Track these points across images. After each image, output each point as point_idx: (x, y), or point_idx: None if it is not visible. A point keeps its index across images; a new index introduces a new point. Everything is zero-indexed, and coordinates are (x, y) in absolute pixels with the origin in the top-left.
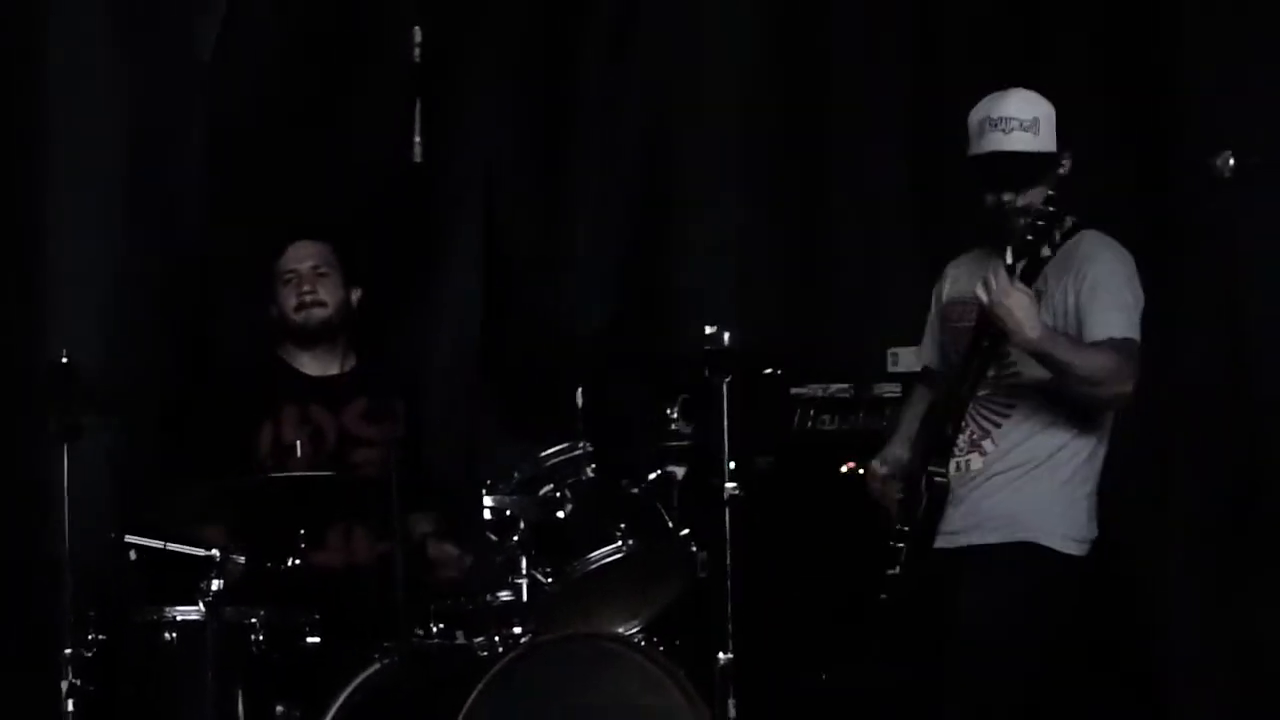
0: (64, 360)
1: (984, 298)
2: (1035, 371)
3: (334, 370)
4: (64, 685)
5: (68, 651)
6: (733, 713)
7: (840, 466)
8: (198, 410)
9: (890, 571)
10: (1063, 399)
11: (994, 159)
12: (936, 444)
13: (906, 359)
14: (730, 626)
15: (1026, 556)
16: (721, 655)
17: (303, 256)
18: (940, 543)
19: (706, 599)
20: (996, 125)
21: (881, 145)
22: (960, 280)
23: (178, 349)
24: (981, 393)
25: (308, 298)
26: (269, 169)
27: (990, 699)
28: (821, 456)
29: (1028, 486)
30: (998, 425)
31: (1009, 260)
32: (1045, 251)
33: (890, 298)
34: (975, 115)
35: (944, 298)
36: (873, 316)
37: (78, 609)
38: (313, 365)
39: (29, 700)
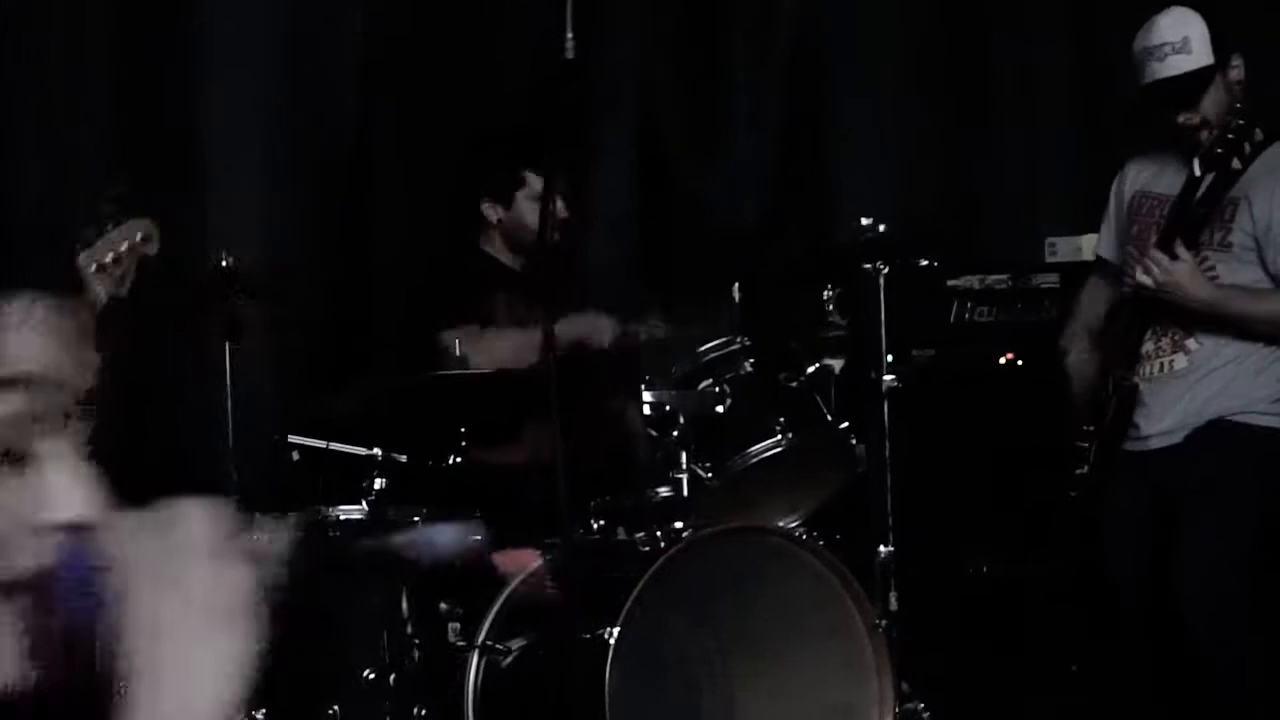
0: (225, 262)
1: (1148, 282)
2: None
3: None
4: None
5: None
6: (894, 605)
7: (998, 358)
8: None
9: (1079, 471)
10: None
11: (1156, 87)
12: (1123, 350)
13: (1065, 249)
14: (890, 520)
15: (1248, 434)
16: (882, 548)
17: (569, 183)
18: (1156, 443)
19: (866, 492)
20: (1151, 55)
21: (1041, 32)
22: (1147, 173)
23: (338, 248)
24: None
25: (565, 224)
26: (422, 67)
27: (1226, 566)
28: (979, 348)
29: (1242, 374)
30: (1197, 323)
31: (1197, 173)
32: (1235, 164)
33: (1048, 187)
34: (1135, 47)
35: (1128, 191)
36: (1030, 206)
37: (243, 509)
38: (516, 264)
39: None
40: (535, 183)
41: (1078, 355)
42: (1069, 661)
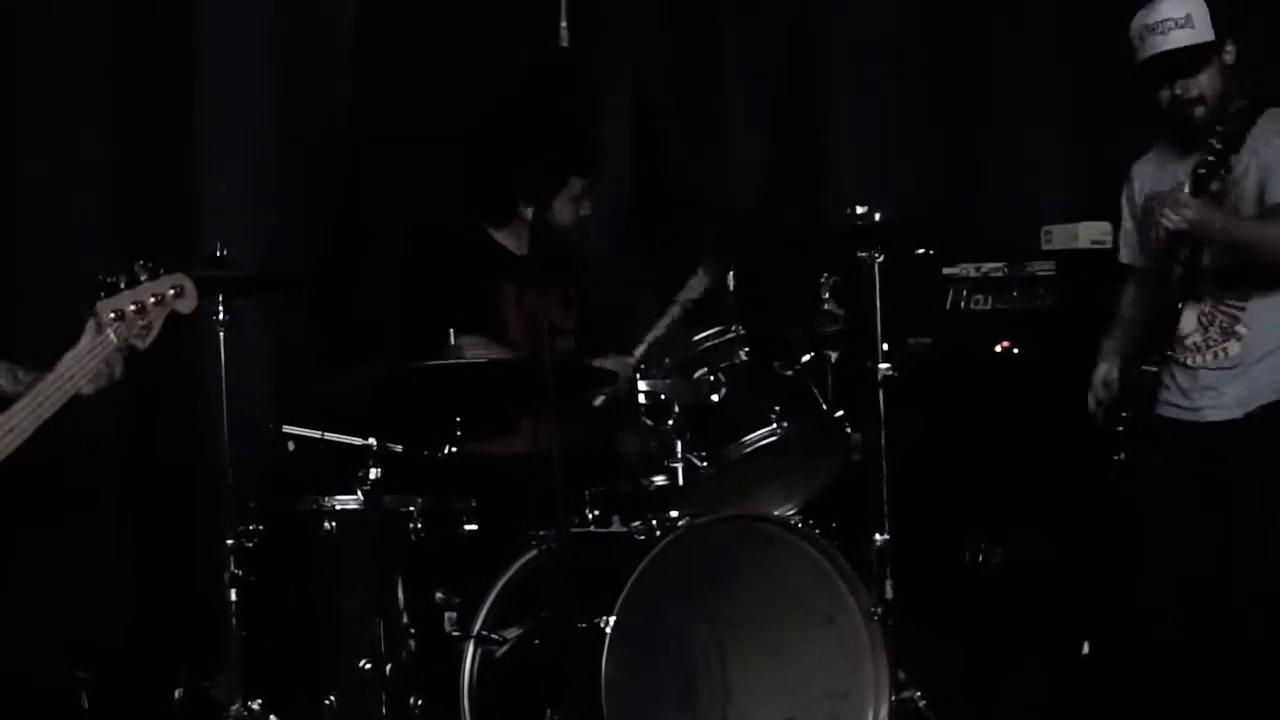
0: (220, 253)
1: (1168, 224)
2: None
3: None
4: (225, 575)
5: (229, 542)
6: (889, 593)
7: (994, 346)
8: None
9: (1116, 457)
10: None
11: (1156, 60)
12: (1156, 342)
13: (1061, 237)
14: (885, 508)
15: None
16: (878, 536)
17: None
18: (1211, 415)
19: (861, 480)
20: (1154, 30)
21: (1036, 19)
22: (1152, 177)
23: (333, 237)
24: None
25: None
26: (417, 54)
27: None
28: (975, 336)
29: None
30: (1242, 309)
31: (1202, 171)
32: (1241, 141)
33: (1044, 175)
34: (1134, 26)
35: (1139, 195)
36: (1026, 194)
37: (238, 500)
38: (515, 247)
39: (194, 590)
40: (576, 185)
41: (1110, 345)
42: (1062, 648)
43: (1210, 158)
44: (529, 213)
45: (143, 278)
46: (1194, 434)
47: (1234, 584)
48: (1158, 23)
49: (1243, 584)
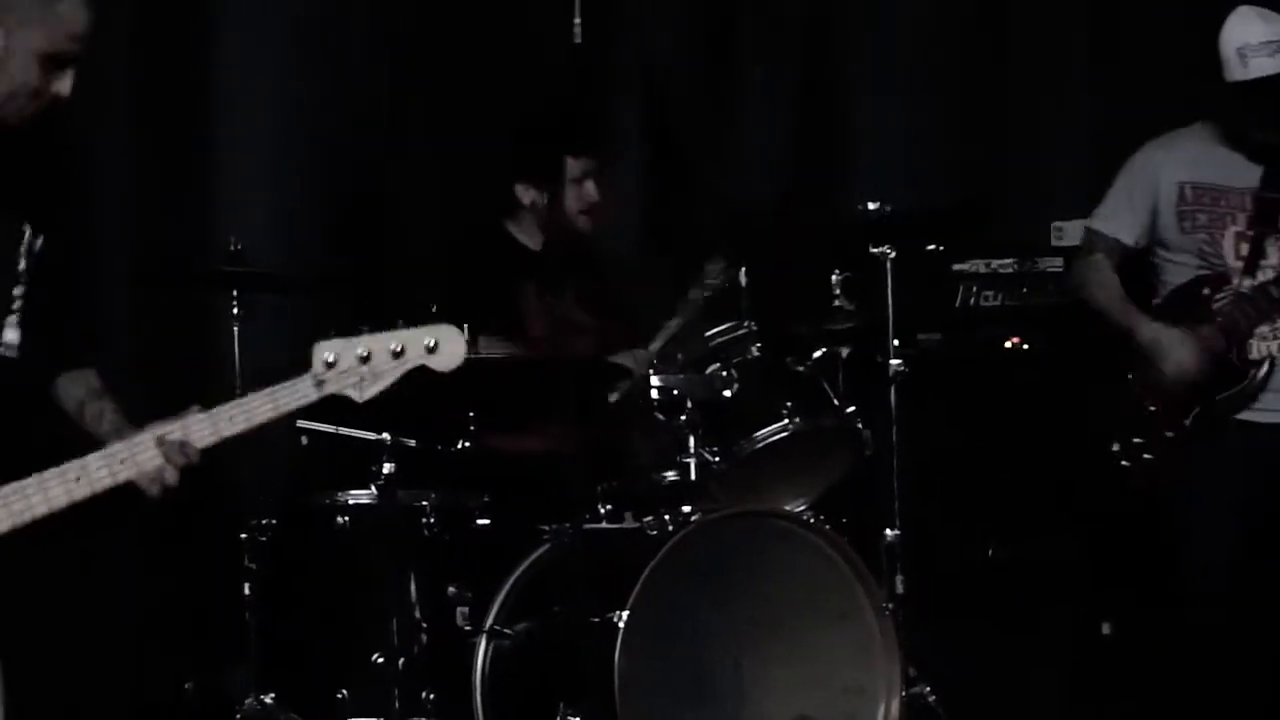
0: (235, 247)
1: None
2: None
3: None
4: (239, 569)
5: (243, 536)
6: (900, 589)
7: (1004, 342)
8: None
9: (1168, 434)
10: None
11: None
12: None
13: (1071, 233)
14: (897, 504)
15: None
16: (889, 532)
17: (599, 167)
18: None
19: (873, 476)
20: (1270, 48)
21: (1055, 16)
22: (1190, 164)
23: (352, 231)
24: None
25: (594, 207)
26: (431, 52)
27: None
28: (985, 332)
29: None
30: None
31: None
32: None
33: (1055, 171)
34: (1245, 40)
35: (1168, 180)
36: (1036, 190)
37: (252, 494)
38: (533, 244)
39: (208, 583)
40: (573, 167)
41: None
42: (1073, 643)
43: None
44: (529, 197)
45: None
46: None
47: None
48: (1273, 41)
49: None
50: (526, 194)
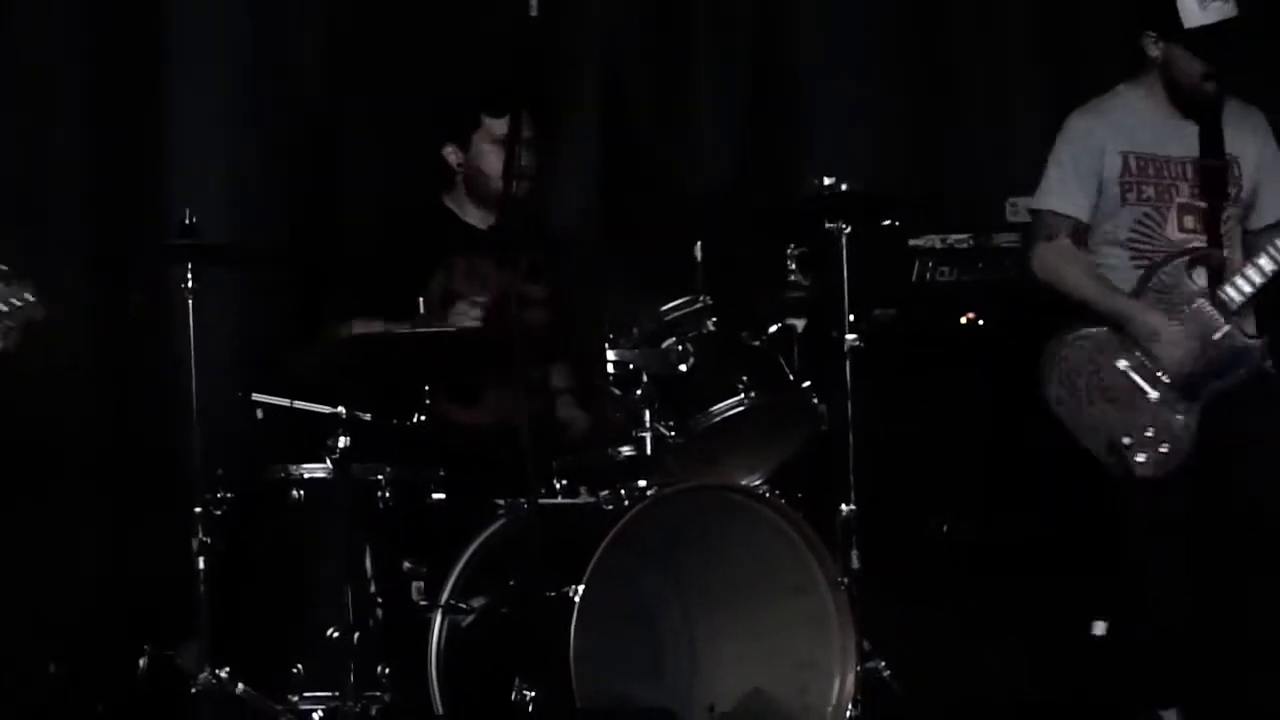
0: (189, 220)
1: None
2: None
3: (488, 225)
4: (194, 543)
5: (197, 510)
6: (855, 564)
7: (959, 317)
8: (373, 252)
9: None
10: None
11: (1228, 25)
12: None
13: (1026, 209)
14: (852, 478)
15: None
16: (844, 507)
17: (526, 125)
18: None
19: (828, 450)
20: None
21: None
22: (1130, 134)
23: (301, 206)
24: None
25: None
26: (387, 24)
27: None
28: (941, 307)
29: None
30: None
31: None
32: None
33: (1009, 147)
34: None
35: (1110, 150)
36: (991, 166)
37: (206, 467)
38: (478, 219)
39: (161, 558)
40: (493, 126)
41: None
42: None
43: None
44: (455, 158)
45: None
46: None
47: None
48: None
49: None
50: (454, 155)
